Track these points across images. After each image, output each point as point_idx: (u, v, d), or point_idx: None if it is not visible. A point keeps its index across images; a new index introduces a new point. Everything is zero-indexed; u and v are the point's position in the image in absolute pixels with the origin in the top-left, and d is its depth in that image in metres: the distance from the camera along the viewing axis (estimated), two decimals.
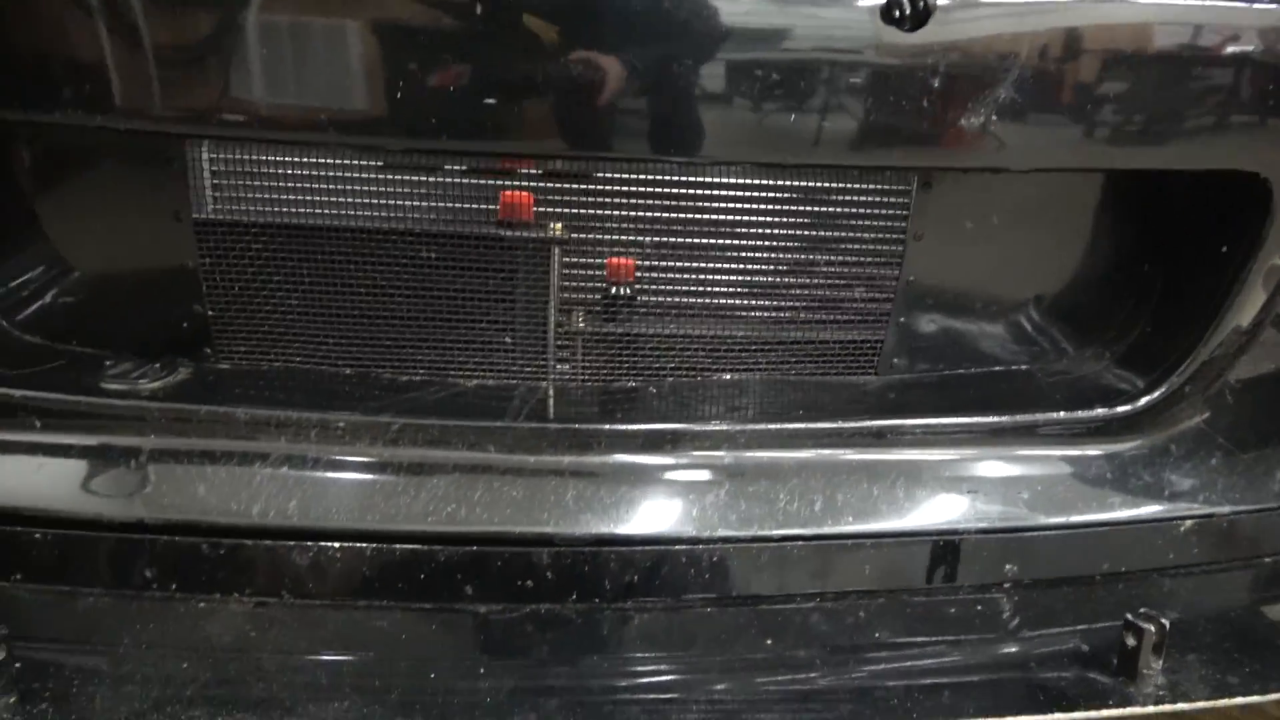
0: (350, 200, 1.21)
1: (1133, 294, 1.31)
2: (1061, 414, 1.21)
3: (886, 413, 1.21)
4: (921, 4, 0.94)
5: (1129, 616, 0.97)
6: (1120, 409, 1.22)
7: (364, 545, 1.05)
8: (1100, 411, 1.22)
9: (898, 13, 0.95)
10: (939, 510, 1.13)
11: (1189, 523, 1.17)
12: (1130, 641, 0.95)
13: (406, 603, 1.05)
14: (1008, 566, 1.13)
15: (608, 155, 1.16)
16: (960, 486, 1.15)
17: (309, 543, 1.04)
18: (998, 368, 1.34)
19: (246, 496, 1.06)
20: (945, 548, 1.12)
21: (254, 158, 1.19)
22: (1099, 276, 1.32)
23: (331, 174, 1.20)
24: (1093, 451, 1.20)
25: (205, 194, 1.19)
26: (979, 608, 1.11)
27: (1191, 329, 1.24)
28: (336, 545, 1.05)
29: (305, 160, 1.19)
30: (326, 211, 1.21)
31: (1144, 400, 1.22)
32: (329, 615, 1.04)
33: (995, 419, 1.20)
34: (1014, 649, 1.09)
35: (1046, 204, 1.26)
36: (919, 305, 1.28)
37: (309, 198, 1.22)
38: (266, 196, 1.21)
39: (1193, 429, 1.24)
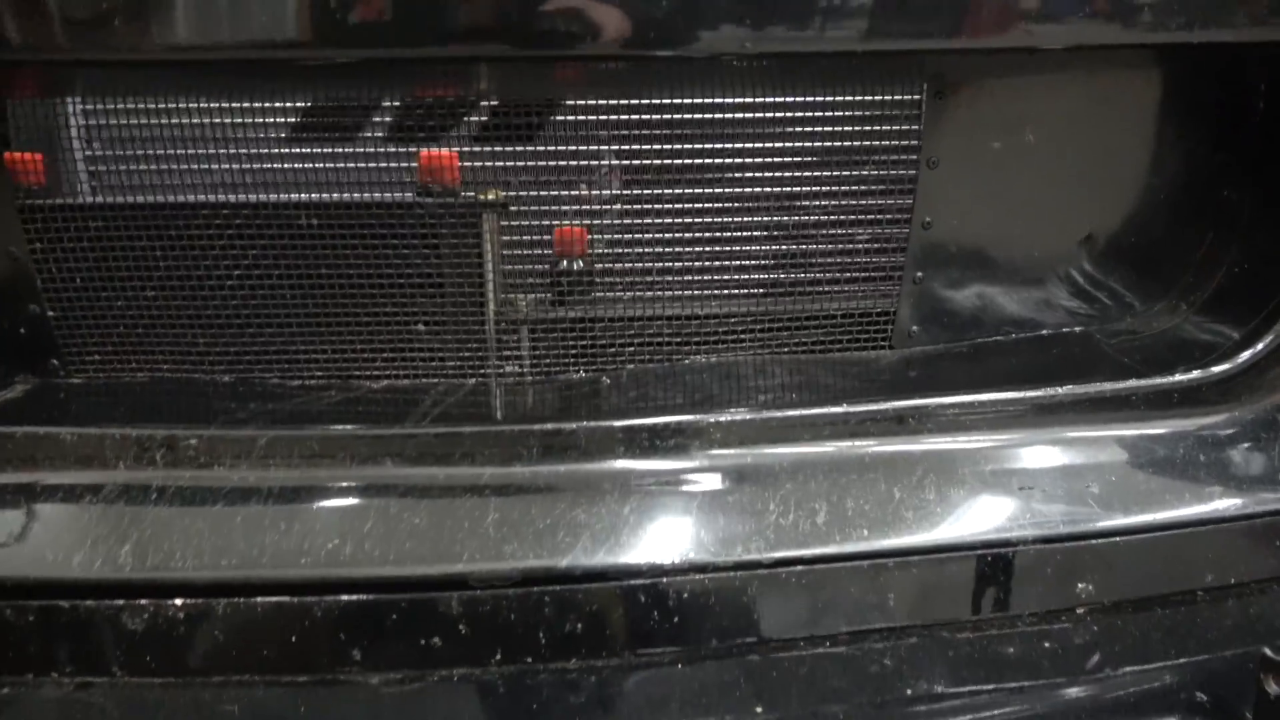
0: (223, 166, 0.97)
1: (1212, 225, 1.03)
2: (1135, 381, 0.93)
3: (906, 392, 0.94)
4: None
5: (1267, 652, 0.68)
6: (1212, 369, 0.94)
7: (217, 601, 0.79)
8: (1184, 376, 0.94)
9: None
10: (982, 515, 0.85)
11: None
12: (1274, 688, 0.66)
13: (273, 675, 0.78)
14: (1080, 586, 0.85)
15: (548, 53, 0.88)
16: (1009, 482, 0.87)
17: (143, 600, 0.79)
18: (1044, 331, 1.06)
19: (66, 543, 0.81)
20: (994, 564, 0.84)
21: (94, 108, 0.95)
22: (1168, 206, 1.04)
23: (196, 129, 0.96)
24: (1180, 426, 0.92)
25: (29, 164, 0.95)
26: (1046, 643, 0.83)
27: None
28: (178, 603, 0.79)
29: (161, 113, 0.95)
30: (192, 181, 0.97)
31: (1242, 356, 0.94)
32: (172, 696, 0.78)
33: (1049, 392, 0.92)
34: (1096, 695, 0.81)
35: (1094, 112, 0.98)
36: (939, 255, 1.00)
37: (168, 164, 0.97)
38: (113, 164, 0.97)
39: None
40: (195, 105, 0.93)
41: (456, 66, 0.92)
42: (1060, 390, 0.92)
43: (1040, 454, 0.89)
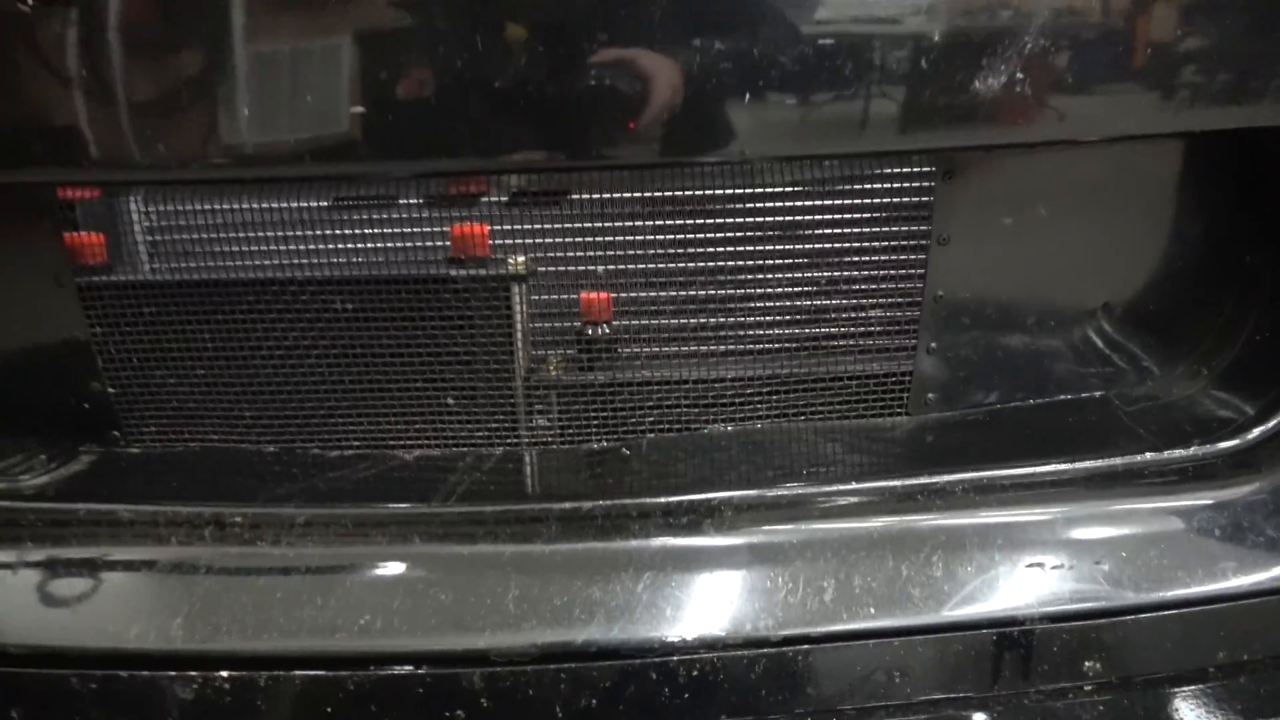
0: (266, 248, 1.03)
1: (1232, 292, 1.03)
2: (1149, 455, 0.94)
3: (919, 465, 0.96)
4: None
5: None
6: (1230, 441, 0.94)
7: (258, 674, 0.85)
8: (1200, 449, 0.94)
9: None
10: (990, 594, 0.87)
11: None
12: None
13: None
14: (1087, 663, 0.86)
15: (579, 164, 0.93)
16: (1017, 559, 0.88)
17: (192, 672, 0.85)
18: (1063, 397, 1.07)
19: (123, 616, 0.87)
20: (1002, 643, 0.86)
21: (143, 208, 1.02)
22: (1186, 273, 1.04)
23: (242, 218, 1.02)
24: (1195, 501, 0.92)
25: (89, 252, 1.02)
26: None
27: None
28: (224, 674, 0.85)
29: (208, 207, 1.02)
30: (237, 264, 1.03)
31: (1262, 426, 0.93)
32: None
33: (1062, 466, 0.93)
34: None
35: (1109, 185, 0.99)
36: (953, 325, 1.02)
37: (215, 249, 1.04)
38: (163, 251, 1.05)
39: None
40: (243, 202, 1.00)
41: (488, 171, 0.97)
42: (1073, 465, 0.93)
43: (1050, 530, 0.90)
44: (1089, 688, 0.86)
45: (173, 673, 0.85)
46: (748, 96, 0.79)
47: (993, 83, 0.77)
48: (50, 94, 0.80)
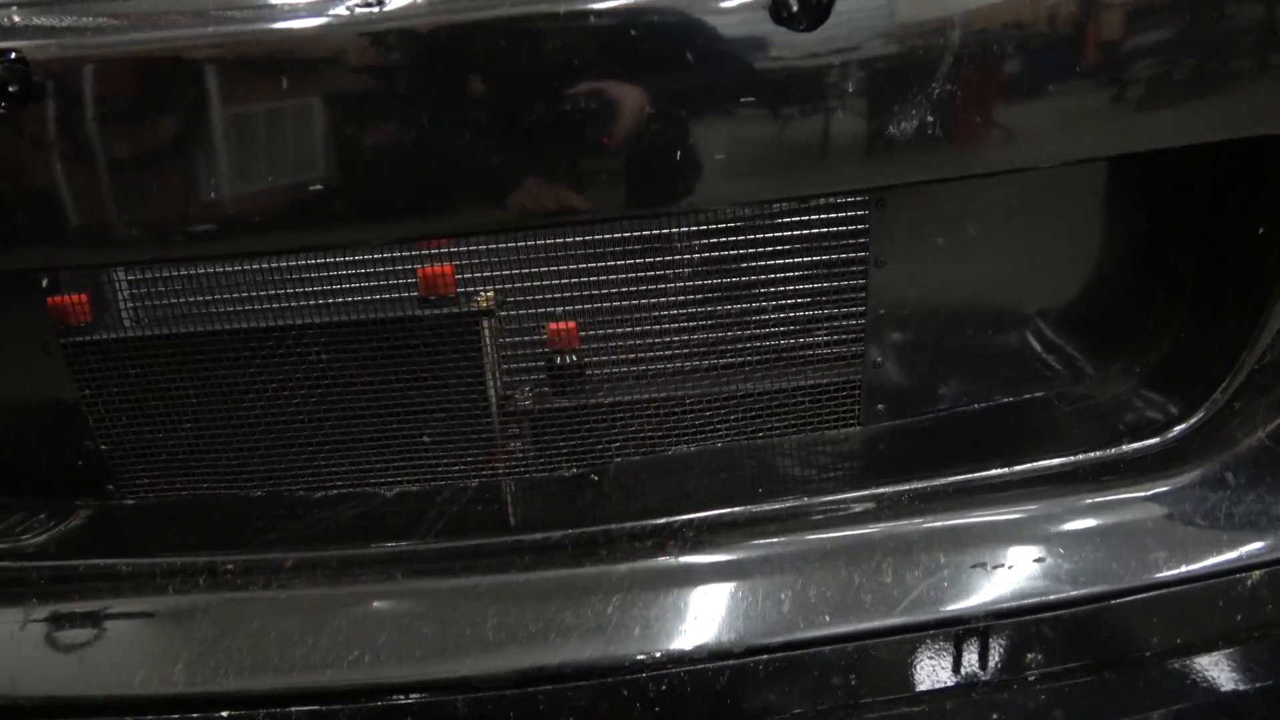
0: (240, 301, 1.08)
1: (1158, 295, 1.09)
2: (1082, 455, 1.00)
3: (868, 476, 1.02)
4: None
5: None
6: (1153, 439, 1.00)
7: (257, 711, 0.91)
8: (1132, 445, 1.00)
9: (785, 12, 0.77)
10: (937, 596, 0.93)
11: (1258, 574, 0.94)
12: None
13: None
14: (1031, 656, 0.92)
15: (517, 225, 0.99)
16: (962, 562, 0.94)
17: (194, 715, 0.91)
18: (1006, 399, 1.13)
19: (129, 664, 0.93)
20: (950, 642, 0.92)
21: (123, 279, 1.08)
22: (1115, 277, 1.10)
23: (216, 278, 1.08)
24: (1126, 496, 0.98)
25: (73, 313, 1.08)
26: (994, 715, 0.91)
27: (1235, 328, 1.02)
28: (225, 715, 0.91)
29: (184, 271, 1.07)
30: (217, 317, 1.09)
31: (1181, 427, 1.00)
32: None
33: (1002, 470, 0.99)
34: None
35: (1035, 202, 1.05)
36: (895, 341, 1.08)
37: (193, 309, 1.10)
38: (141, 314, 1.10)
39: (1252, 450, 1.01)
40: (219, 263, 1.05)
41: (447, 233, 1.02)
42: (1012, 469, 0.99)
43: (992, 532, 0.96)
44: (1034, 678, 0.93)
45: (176, 716, 0.91)
46: (683, 154, 0.84)
47: (912, 126, 0.83)
48: (28, 185, 0.85)
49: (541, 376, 1.17)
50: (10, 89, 0.82)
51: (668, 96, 0.82)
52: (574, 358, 1.17)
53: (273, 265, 1.08)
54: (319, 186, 0.83)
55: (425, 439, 1.10)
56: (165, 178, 0.84)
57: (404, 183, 0.85)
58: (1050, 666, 0.93)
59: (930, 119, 0.84)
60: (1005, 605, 0.93)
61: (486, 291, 1.13)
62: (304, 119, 0.83)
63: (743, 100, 0.83)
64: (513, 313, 1.13)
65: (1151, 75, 0.87)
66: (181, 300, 1.10)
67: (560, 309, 1.12)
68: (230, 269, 1.07)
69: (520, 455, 1.13)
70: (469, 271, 1.08)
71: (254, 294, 1.08)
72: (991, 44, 0.83)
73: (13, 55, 0.82)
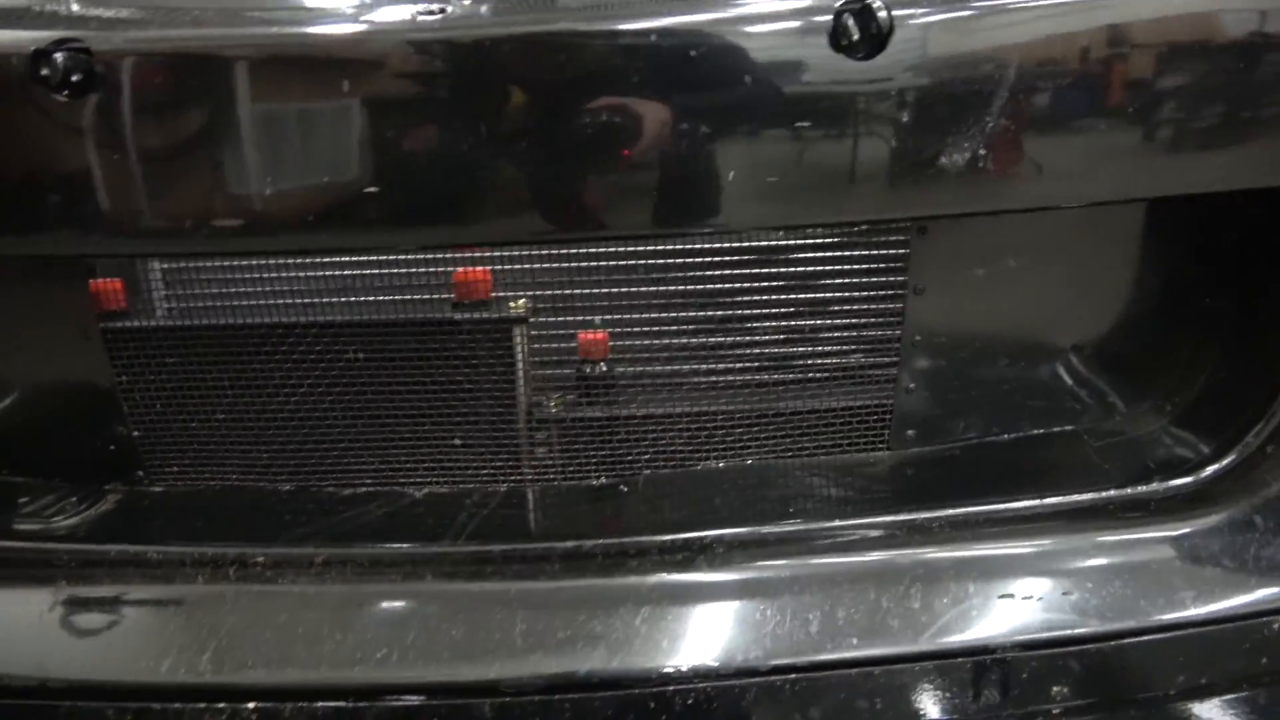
0: (280, 298, 1.09)
1: (1194, 332, 1.09)
2: (1114, 491, 1.01)
3: (898, 501, 1.02)
4: (874, 26, 0.77)
5: None
6: (1190, 477, 1.01)
7: (283, 704, 0.91)
8: (1162, 484, 1.01)
9: (845, 40, 0.78)
10: (963, 624, 0.93)
11: None
12: None
13: None
14: (1055, 689, 0.92)
15: (559, 236, 1.00)
16: (990, 590, 0.95)
17: (221, 704, 0.91)
18: (1035, 432, 1.13)
19: (156, 651, 0.93)
20: (975, 671, 0.92)
21: (162, 266, 1.09)
22: (1150, 316, 1.11)
23: (255, 271, 1.09)
24: (1156, 534, 0.98)
25: (113, 307, 1.09)
26: None
27: (1271, 371, 1.02)
28: (250, 706, 0.91)
29: (224, 263, 1.08)
30: (255, 312, 1.09)
31: (1213, 467, 1.00)
32: None
33: (1032, 502, 1.00)
34: None
35: (1074, 238, 1.06)
36: (931, 368, 1.09)
37: (235, 299, 1.10)
38: (181, 303, 1.11)
39: None
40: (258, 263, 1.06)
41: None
42: (1042, 501, 1.00)
43: (1021, 563, 0.97)
44: (1057, 711, 0.93)
45: (203, 704, 0.91)
46: (734, 175, 0.85)
47: (960, 158, 0.83)
48: (87, 173, 0.86)
49: (572, 385, 1.18)
50: (73, 78, 0.83)
51: (724, 117, 0.83)
52: (604, 367, 1.18)
53: (312, 263, 1.09)
54: (374, 189, 0.84)
55: (457, 441, 1.11)
56: (221, 172, 0.85)
57: (457, 189, 0.86)
58: (1074, 700, 0.93)
59: (975, 151, 0.85)
60: (1032, 637, 0.93)
61: (520, 299, 1.14)
62: (363, 121, 0.84)
63: (797, 124, 0.84)
64: (545, 320, 1.14)
65: (1197, 119, 0.87)
66: (221, 292, 1.11)
67: (592, 319, 1.13)
68: (271, 264, 1.08)
69: (549, 462, 1.14)
70: (504, 279, 1.09)
71: (293, 289, 1.09)
72: (1038, 81, 0.84)
73: (76, 44, 0.83)
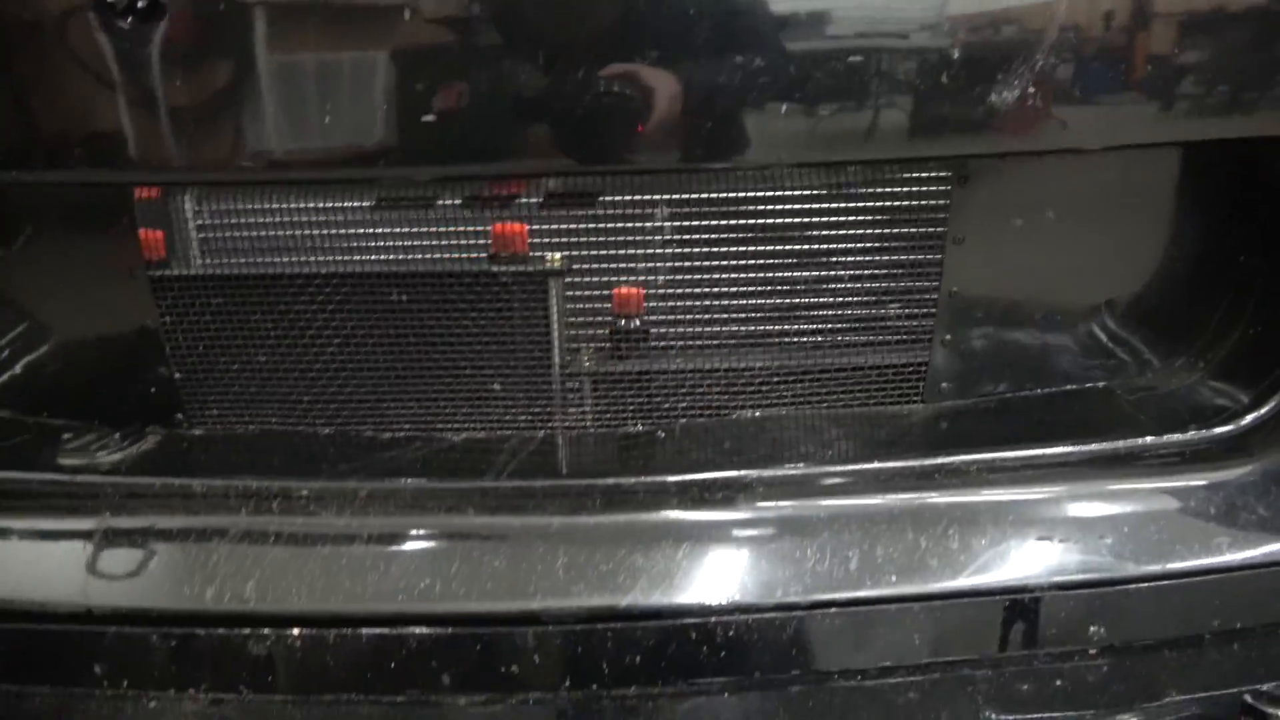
0: (323, 245, 1.11)
1: (1228, 290, 1.10)
2: (1150, 439, 1.01)
3: (934, 447, 1.03)
4: None
5: (1247, 698, 0.77)
6: (1223, 428, 1.02)
7: (326, 631, 0.92)
8: (1196, 434, 1.02)
9: None
10: (1001, 563, 0.94)
11: None
12: None
13: (376, 695, 0.91)
14: (1092, 629, 0.93)
15: (609, 169, 1.01)
16: (1028, 532, 0.96)
17: (266, 630, 0.92)
18: (1069, 387, 1.14)
19: (200, 579, 0.94)
20: (1012, 609, 0.93)
21: (212, 207, 1.10)
22: (1185, 272, 1.12)
23: (300, 217, 1.10)
24: (1192, 482, 0.99)
25: (160, 247, 1.10)
26: (1058, 681, 0.92)
27: None
28: (295, 632, 0.92)
29: (270, 205, 1.09)
30: (296, 259, 1.11)
31: (1251, 416, 1.01)
32: (290, 711, 0.92)
33: (1068, 448, 1.01)
34: None
35: (1112, 191, 1.07)
36: (967, 320, 1.10)
37: (276, 245, 1.12)
38: (228, 246, 1.12)
39: None
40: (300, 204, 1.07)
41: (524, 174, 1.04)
42: (1079, 446, 1.01)
43: (1059, 506, 0.97)
44: (1093, 651, 0.93)
45: (248, 630, 0.92)
46: (776, 107, 0.87)
47: (1004, 95, 0.85)
48: (151, 100, 0.87)
49: (607, 339, 1.18)
50: (139, 4, 0.85)
51: (755, 51, 0.84)
52: (638, 322, 1.19)
53: (353, 207, 1.10)
54: (431, 116, 0.86)
55: (496, 386, 1.12)
56: (287, 104, 0.87)
57: (479, 122, 0.88)
58: (1109, 641, 0.94)
59: (1021, 88, 0.86)
60: (1069, 578, 0.94)
61: (555, 255, 1.15)
62: (425, 50, 0.85)
63: (835, 53, 0.85)
64: (580, 274, 1.15)
65: (1227, 66, 0.88)
66: (265, 235, 1.12)
67: (625, 275, 1.14)
68: (314, 209, 1.09)
69: (586, 411, 1.15)
70: (539, 236, 1.11)
71: (337, 239, 1.10)
72: (1088, 20, 0.85)
73: None
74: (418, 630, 0.91)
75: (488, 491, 0.98)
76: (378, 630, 0.91)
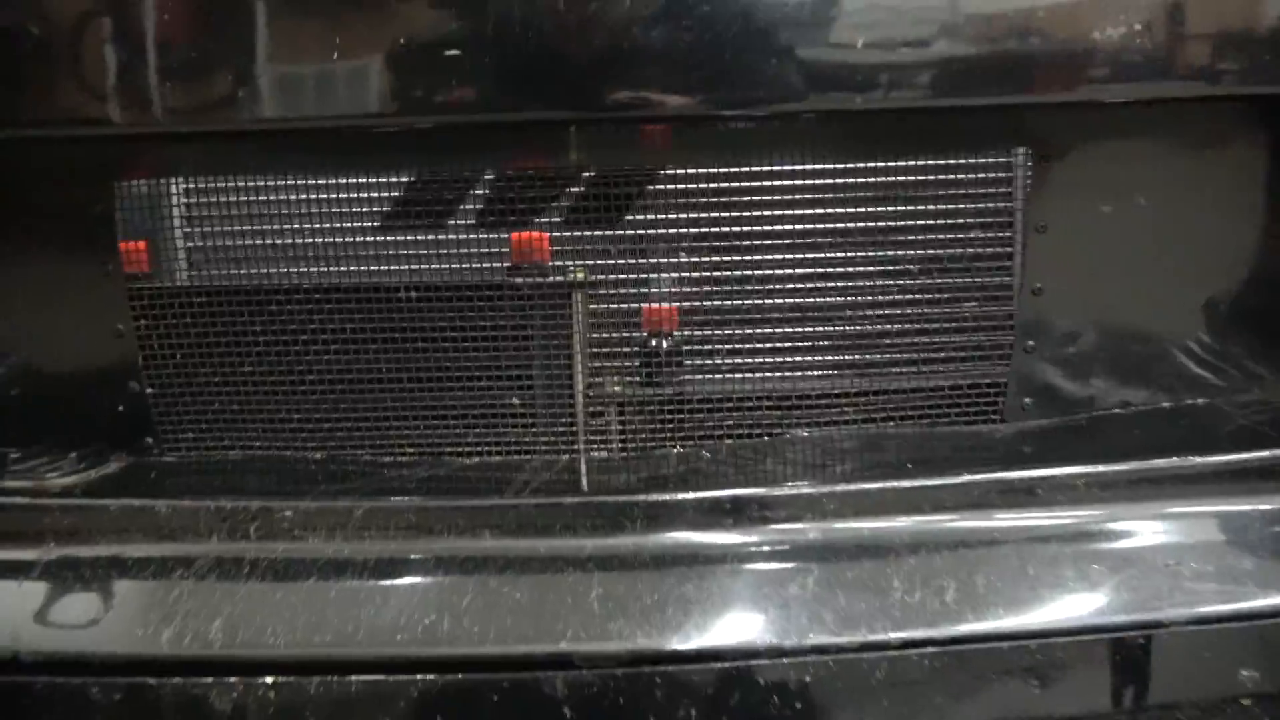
0: (323, 247, 0.98)
1: None
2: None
3: (1027, 465, 0.88)
4: None
5: None
6: None
7: (307, 679, 0.75)
8: None
9: None
10: (1125, 594, 0.78)
11: None
12: None
13: None
14: (1244, 672, 0.76)
15: (640, 114, 0.89)
16: (1153, 558, 0.80)
17: (232, 679, 0.75)
18: (1166, 404, 1.00)
19: (155, 618, 0.78)
20: (1143, 649, 0.76)
21: (193, 199, 0.98)
22: None
23: (299, 212, 0.98)
24: None
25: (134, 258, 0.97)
26: None
27: None
28: (269, 681, 0.75)
29: (266, 199, 0.97)
30: (296, 264, 0.98)
31: None
32: None
33: (1191, 461, 0.86)
34: None
35: (1212, 170, 0.95)
36: (1050, 323, 0.96)
37: (274, 250, 0.99)
38: (210, 249, 0.99)
39: None
40: (291, 192, 0.95)
41: (541, 135, 0.93)
42: (1204, 459, 0.86)
43: (1188, 527, 0.82)
44: (1247, 701, 0.76)
45: (209, 679, 0.75)
46: (819, 42, 0.77)
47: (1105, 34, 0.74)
48: (129, 53, 0.77)
49: (636, 360, 1.05)
50: None
51: None
52: (671, 342, 1.06)
53: (353, 210, 0.98)
54: (455, 51, 0.75)
55: (515, 400, 0.97)
56: (281, 41, 0.76)
57: (483, 66, 0.78)
58: (1261, 686, 0.77)
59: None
60: (1205, 611, 0.78)
61: (579, 265, 1.03)
62: None
63: None
64: (604, 288, 1.03)
65: None
66: (253, 244, 0.99)
67: (653, 289, 1.02)
68: (316, 204, 0.97)
69: (613, 433, 1.00)
70: (562, 245, 0.99)
71: (330, 246, 0.98)
72: None
73: None
74: (420, 678, 0.74)
75: (508, 509, 0.82)
76: (370, 677, 0.74)
